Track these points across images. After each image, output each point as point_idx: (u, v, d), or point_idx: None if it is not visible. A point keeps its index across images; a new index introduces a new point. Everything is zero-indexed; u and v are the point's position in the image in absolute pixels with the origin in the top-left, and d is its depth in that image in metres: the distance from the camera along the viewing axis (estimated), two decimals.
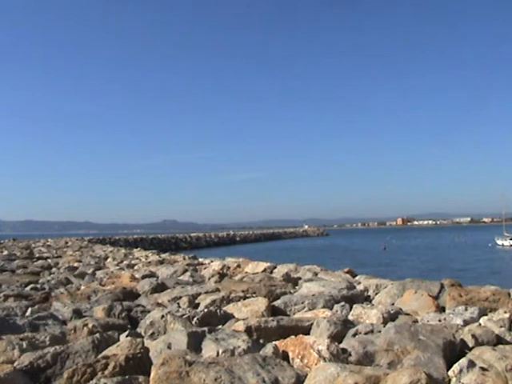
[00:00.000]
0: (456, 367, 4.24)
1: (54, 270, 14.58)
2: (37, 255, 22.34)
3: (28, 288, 9.98)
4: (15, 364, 4.48)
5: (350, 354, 4.63)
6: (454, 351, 4.74)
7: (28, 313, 7.19)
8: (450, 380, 4.16)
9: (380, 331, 5.24)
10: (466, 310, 6.28)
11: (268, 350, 4.72)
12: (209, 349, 4.78)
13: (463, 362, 4.28)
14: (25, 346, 5.08)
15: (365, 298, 8.17)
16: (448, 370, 4.29)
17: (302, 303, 7.26)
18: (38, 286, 10.33)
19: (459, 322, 5.78)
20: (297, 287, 9.06)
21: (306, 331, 5.55)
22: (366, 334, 5.32)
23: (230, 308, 7.05)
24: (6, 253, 23.53)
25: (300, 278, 10.34)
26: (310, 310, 7.04)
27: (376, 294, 8.38)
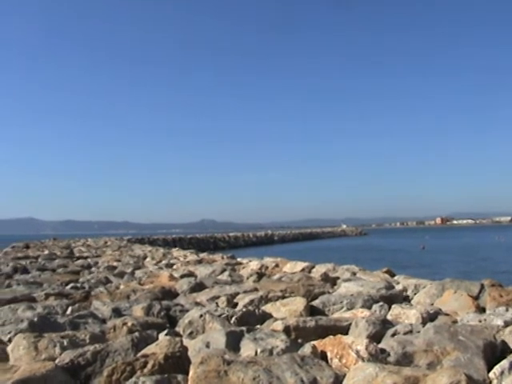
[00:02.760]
0: (497, 369, 4.16)
1: (93, 269, 14.70)
2: (77, 255, 22.55)
3: (68, 287, 10.08)
4: (56, 361, 4.53)
5: (389, 355, 4.59)
6: (494, 352, 4.67)
7: (68, 311, 7.27)
8: (490, 382, 4.08)
9: (419, 331, 5.18)
10: (507, 310, 6.17)
11: (306, 349, 4.70)
12: (247, 348, 4.78)
13: (504, 363, 4.20)
14: (66, 343, 5.13)
15: (403, 298, 8.09)
16: (488, 371, 4.22)
17: (341, 303, 7.22)
18: (78, 284, 10.42)
19: (500, 322, 5.68)
20: (335, 287, 9.01)
21: (345, 331, 5.51)
22: (404, 334, 5.26)
23: (268, 307, 7.04)
24: (46, 252, 23.79)
25: (338, 278, 10.29)
26: (348, 309, 7.00)
27: (415, 294, 8.29)
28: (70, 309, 7.39)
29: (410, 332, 5.30)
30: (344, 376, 3.97)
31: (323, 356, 4.62)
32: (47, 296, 8.52)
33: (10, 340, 5.61)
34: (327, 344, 4.78)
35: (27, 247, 32.44)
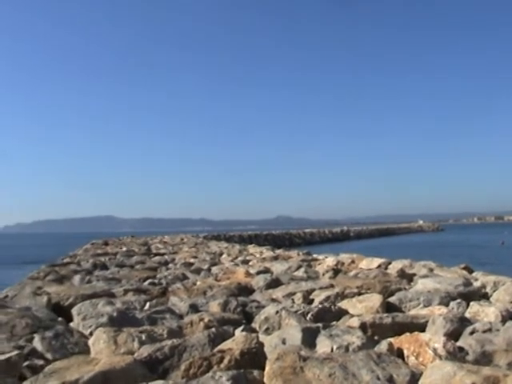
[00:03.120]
0: None
1: (170, 265, 14.89)
2: (154, 251, 22.86)
3: (146, 283, 10.25)
4: (135, 355, 4.63)
5: (467, 353, 4.51)
6: None
7: (146, 307, 7.40)
8: None
9: (499, 330, 5.08)
10: None
11: (383, 346, 4.67)
12: (323, 345, 4.78)
13: None
14: (144, 338, 5.24)
15: (482, 296, 7.91)
16: None
17: (417, 300, 7.13)
18: (156, 281, 10.59)
19: None
20: (412, 283, 8.90)
21: (422, 328, 5.44)
22: (483, 332, 5.15)
23: (344, 304, 7.00)
24: (125, 249, 24.22)
25: (415, 274, 10.14)
26: (425, 306, 6.90)
27: (494, 291, 8.09)
28: (147, 304, 7.52)
29: (489, 330, 5.19)
30: (421, 374, 3.92)
31: (399, 353, 4.59)
32: (126, 292, 8.69)
33: (91, 333, 5.80)
34: (404, 341, 4.74)
35: (106, 244, 33.13)
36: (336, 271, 10.92)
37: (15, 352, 4.71)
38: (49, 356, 5.06)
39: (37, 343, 5.28)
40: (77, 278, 11.27)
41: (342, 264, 12.71)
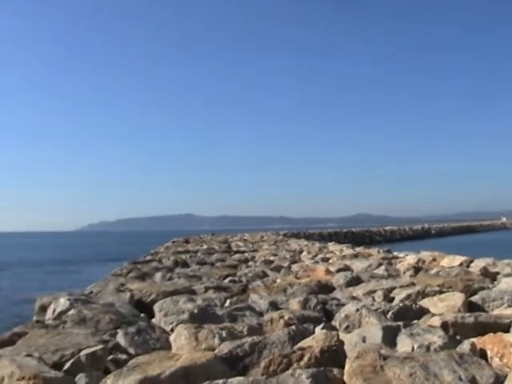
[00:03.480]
0: None
1: (250, 263, 14.99)
2: (234, 249, 23.06)
3: (226, 280, 10.36)
4: (216, 351, 4.70)
5: None
6: None
7: (227, 304, 7.49)
8: None
9: None
10: None
11: (465, 346, 4.58)
12: (404, 344, 4.73)
13: None
14: (224, 335, 5.30)
15: None
16: None
17: (501, 299, 6.96)
18: (236, 278, 10.68)
19: None
20: (495, 282, 8.70)
21: (506, 329, 5.29)
22: None
23: (425, 302, 6.90)
24: (205, 247, 24.49)
25: (498, 273, 9.89)
26: (509, 306, 6.72)
27: None
28: (228, 301, 7.61)
29: None
30: (505, 377, 3.81)
31: (482, 354, 4.48)
32: (206, 289, 8.81)
33: (172, 330, 5.92)
34: (487, 342, 4.64)
35: (187, 242, 33.57)
36: (417, 269, 10.77)
37: (100, 346, 4.87)
38: (131, 351, 5.19)
39: (120, 338, 5.43)
40: (158, 275, 11.49)
41: (423, 262, 12.52)
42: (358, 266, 12.14)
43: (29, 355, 4.54)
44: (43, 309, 7.96)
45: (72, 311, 6.69)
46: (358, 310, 6.03)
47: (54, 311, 7.23)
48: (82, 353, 4.72)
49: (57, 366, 4.52)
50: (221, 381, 3.86)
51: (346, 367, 4.01)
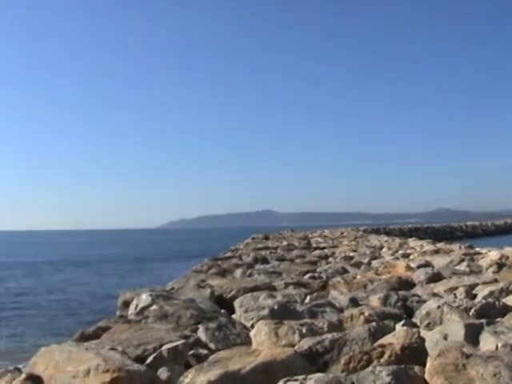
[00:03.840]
0: None
1: (330, 259, 14.98)
2: (314, 245, 23.05)
3: (306, 276, 10.39)
4: (295, 347, 4.73)
5: None
6: None
7: (307, 300, 7.50)
8: None
9: None
10: None
11: None
12: (487, 342, 4.63)
13: None
14: (304, 331, 5.32)
15: None
16: None
17: None
18: (316, 274, 10.70)
19: None
20: None
21: None
22: None
23: (509, 300, 6.73)
24: (285, 243, 24.58)
25: None
26: None
27: None
28: (308, 298, 7.61)
29: None
30: None
31: None
32: (286, 285, 8.84)
33: (252, 326, 5.98)
34: None
35: (266, 238, 33.77)
36: (500, 265, 10.52)
37: (181, 341, 4.97)
38: (212, 346, 5.27)
39: (201, 333, 5.52)
40: (238, 272, 11.61)
41: (507, 258, 12.21)
42: (439, 262, 11.95)
43: (113, 349, 4.68)
44: (126, 304, 8.16)
45: (154, 307, 6.84)
46: (439, 306, 5.95)
47: (136, 307, 7.40)
48: (164, 347, 4.83)
49: (139, 359, 4.65)
50: (301, 377, 3.87)
51: (428, 365, 3.95)
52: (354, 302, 7.09)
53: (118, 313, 8.27)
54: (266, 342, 5.18)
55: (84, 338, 5.87)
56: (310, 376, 3.89)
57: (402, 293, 7.48)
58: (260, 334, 5.36)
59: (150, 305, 7.10)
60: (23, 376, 4.46)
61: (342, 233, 42.87)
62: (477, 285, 7.94)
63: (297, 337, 5.21)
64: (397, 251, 17.09)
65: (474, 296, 7.45)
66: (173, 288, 9.34)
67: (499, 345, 4.50)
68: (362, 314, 5.95)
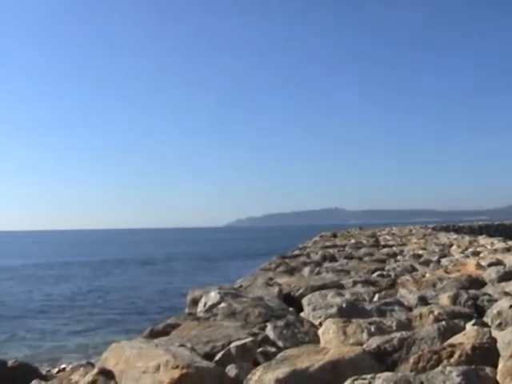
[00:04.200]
0: None
1: (399, 257, 14.82)
2: (382, 243, 22.85)
3: (375, 275, 10.30)
4: (364, 346, 4.69)
5: None
6: None
7: (375, 298, 7.44)
8: None
9: None
10: None
11: None
12: None
13: None
14: (373, 329, 5.28)
15: None
16: None
17: None
18: (384, 272, 10.60)
19: None
20: None
21: None
22: None
23: None
24: (353, 241, 24.45)
25: None
26: None
27: None
28: (376, 296, 7.55)
29: None
30: None
31: None
32: (355, 283, 8.79)
33: (320, 324, 5.96)
34: None
35: (334, 236, 33.65)
36: None
37: (250, 339, 5.00)
38: (280, 344, 5.28)
39: (269, 331, 5.54)
40: (306, 270, 11.61)
41: None
42: (510, 260, 11.70)
43: (182, 345, 4.73)
44: (194, 302, 8.25)
45: (222, 304, 6.90)
46: (511, 306, 5.83)
47: (205, 304, 7.48)
48: (232, 345, 4.87)
49: (208, 356, 4.68)
50: (369, 375, 3.84)
51: (500, 366, 3.87)
52: (423, 301, 7.00)
53: (186, 310, 8.37)
54: (334, 341, 5.16)
55: (153, 334, 5.97)
56: (378, 375, 3.85)
57: (472, 291, 7.34)
58: (328, 332, 5.34)
59: (219, 302, 7.15)
60: (95, 370, 4.56)
61: (411, 230, 42.42)
62: None
63: (365, 335, 5.17)
64: (466, 249, 16.81)
65: None
66: (241, 286, 9.40)
67: None
68: (432, 312, 5.88)
